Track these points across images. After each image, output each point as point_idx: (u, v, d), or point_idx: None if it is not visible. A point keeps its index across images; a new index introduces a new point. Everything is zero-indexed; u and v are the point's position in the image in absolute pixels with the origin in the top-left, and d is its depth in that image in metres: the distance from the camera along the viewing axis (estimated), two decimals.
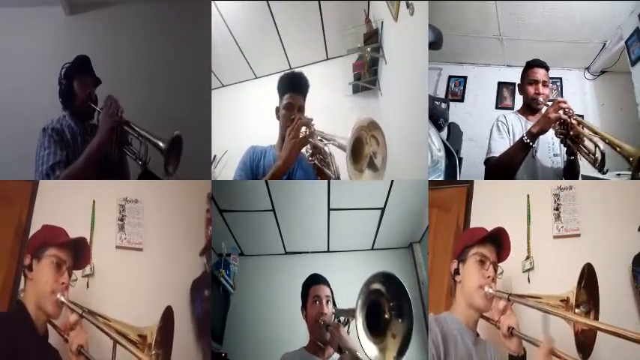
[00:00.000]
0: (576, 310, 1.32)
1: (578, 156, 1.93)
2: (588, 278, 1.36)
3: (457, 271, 1.55)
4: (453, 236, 1.84)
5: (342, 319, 1.70)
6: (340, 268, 2.74)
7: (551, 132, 1.94)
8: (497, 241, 1.52)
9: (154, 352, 1.31)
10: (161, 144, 1.80)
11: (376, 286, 1.49)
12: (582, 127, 1.85)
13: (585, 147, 1.86)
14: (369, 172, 1.58)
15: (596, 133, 1.81)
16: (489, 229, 1.54)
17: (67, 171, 1.79)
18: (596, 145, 1.79)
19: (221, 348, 2.58)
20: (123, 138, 1.89)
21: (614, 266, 1.66)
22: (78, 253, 1.47)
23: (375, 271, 1.50)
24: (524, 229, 1.77)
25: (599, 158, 1.78)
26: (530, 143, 1.93)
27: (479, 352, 1.47)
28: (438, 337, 1.43)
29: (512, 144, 2.05)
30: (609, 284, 1.62)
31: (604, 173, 1.84)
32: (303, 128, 1.71)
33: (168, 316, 1.38)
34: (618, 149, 1.70)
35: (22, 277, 1.45)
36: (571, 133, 1.88)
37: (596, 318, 1.36)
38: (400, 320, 1.48)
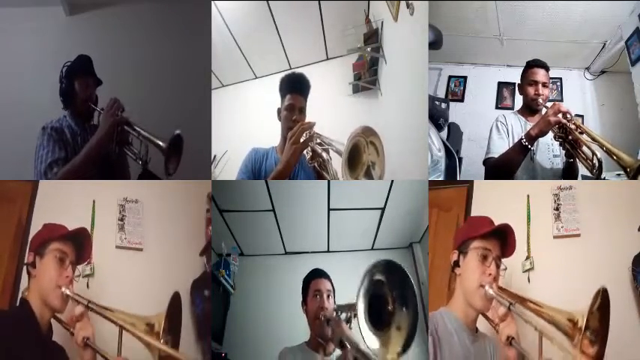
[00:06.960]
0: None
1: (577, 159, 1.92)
2: (602, 304, 1.24)
3: (457, 263, 1.48)
4: (453, 236, 1.84)
5: (343, 315, 1.68)
6: (340, 268, 2.73)
7: (550, 134, 1.93)
8: (503, 236, 1.45)
9: (162, 339, 1.30)
10: (162, 143, 1.79)
11: (378, 276, 1.40)
12: (581, 133, 1.83)
13: (583, 152, 1.84)
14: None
15: (594, 139, 1.78)
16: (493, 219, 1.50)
17: (66, 168, 1.78)
18: (593, 153, 1.77)
19: (221, 348, 2.58)
20: (123, 137, 1.88)
21: (614, 266, 1.66)
22: (80, 244, 1.47)
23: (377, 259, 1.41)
24: (524, 229, 1.76)
25: (597, 165, 1.76)
26: (529, 146, 1.92)
27: (477, 350, 1.41)
28: (429, 339, 1.39)
29: (511, 145, 2.05)
30: (609, 284, 1.63)
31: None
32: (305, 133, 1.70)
33: (175, 302, 1.38)
34: (615, 158, 1.67)
35: (26, 276, 1.45)
36: (569, 137, 1.87)
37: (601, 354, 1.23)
38: (405, 310, 1.38)
